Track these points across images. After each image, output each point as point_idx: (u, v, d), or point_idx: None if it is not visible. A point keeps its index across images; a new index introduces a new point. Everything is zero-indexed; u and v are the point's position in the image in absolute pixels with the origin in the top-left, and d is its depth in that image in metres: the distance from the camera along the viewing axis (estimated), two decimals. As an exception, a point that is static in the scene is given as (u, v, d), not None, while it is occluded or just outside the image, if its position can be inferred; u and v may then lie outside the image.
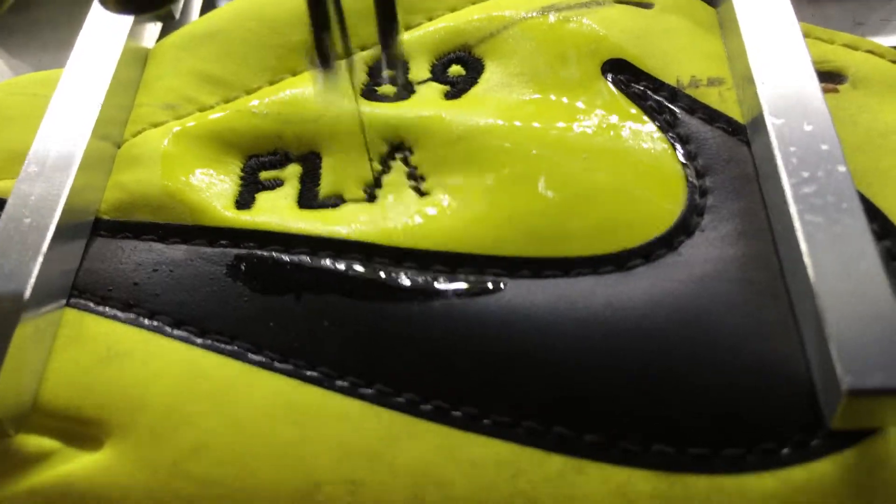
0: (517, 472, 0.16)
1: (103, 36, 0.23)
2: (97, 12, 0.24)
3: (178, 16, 0.27)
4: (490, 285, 0.18)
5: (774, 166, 0.18)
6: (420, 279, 0.18)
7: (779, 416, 0.16)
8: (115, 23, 0.24)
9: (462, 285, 0.18)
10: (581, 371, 0.16)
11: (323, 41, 0.18)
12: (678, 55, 0.22)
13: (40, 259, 0.18)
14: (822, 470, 0.15)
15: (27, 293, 0.17)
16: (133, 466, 0.16)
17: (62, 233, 0.19)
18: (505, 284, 0.18)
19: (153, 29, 0.26)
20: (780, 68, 0.20)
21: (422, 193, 0.20)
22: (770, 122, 0.19)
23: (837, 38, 0.23)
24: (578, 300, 0.17)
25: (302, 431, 0.16)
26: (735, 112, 0.21)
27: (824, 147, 0.18)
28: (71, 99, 0.22)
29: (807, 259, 0.16)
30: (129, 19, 0.24)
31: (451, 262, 0.18)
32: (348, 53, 0.19)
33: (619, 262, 0.18)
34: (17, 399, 0.17)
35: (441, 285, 0.18)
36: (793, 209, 0.17)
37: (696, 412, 0.16)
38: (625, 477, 0.16)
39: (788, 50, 0.21)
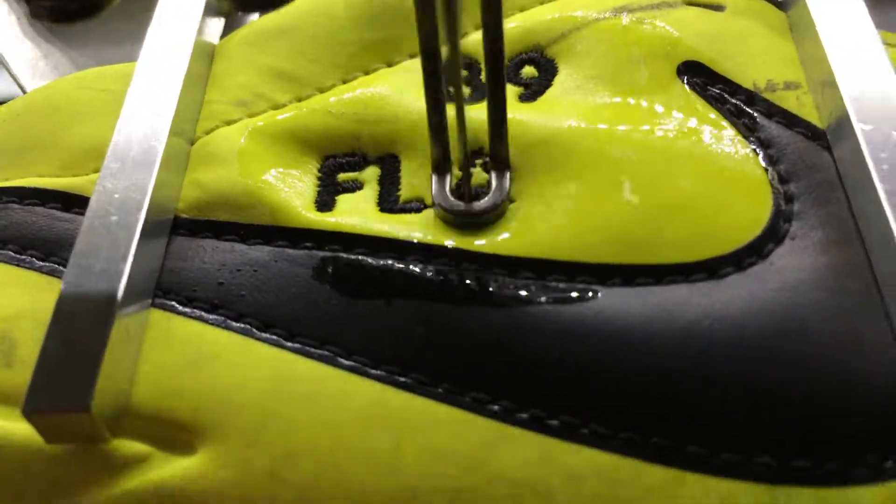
0: (617, 482, 0.16)
1: (174, 30, 0.23)
2: (165, 5, 0.24)
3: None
4: (582, 293, 0.18)
5: (865, 173, 0.18)
6: (511, 286, 0.18)
7: (881, 428, 0.16)
8: (184, 17, 0.24)
9: (553, 293, 0.18)
10: (679, 381, 0.16)
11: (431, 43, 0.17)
12: (754, 59, 0.22)
13: (131, 257, 0.18)
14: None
15: (120, 292, 0.17)
16: (228, 471, 0.16)
17: (147, 231, 0.19)
18: (597, 292, 0.18)
19: (217, 24, 0.26)
20: (861, 73, 0.20)
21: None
22: (858, 127, 0.19)
23: None
24: (673, 309, 0.17)
25: (397, 438, 0.16)
26: (813, 117, 0.21)
27: (915, 155, 0.18)
28: (146, 94, 0.22)
29: (909, 270, 0.16)
30: (198, 13, 0.24)
31: (541, 269, 0.18)
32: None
33: (711, 269, 0.18)
34: (114, 401, 0.17)
35: (532, 293, 0.18)
36: (891, 218, 0.17)
37: (798, 424, 0.16)
38: (727, 489, 0.15)
39: (868, 55, 0.21)
